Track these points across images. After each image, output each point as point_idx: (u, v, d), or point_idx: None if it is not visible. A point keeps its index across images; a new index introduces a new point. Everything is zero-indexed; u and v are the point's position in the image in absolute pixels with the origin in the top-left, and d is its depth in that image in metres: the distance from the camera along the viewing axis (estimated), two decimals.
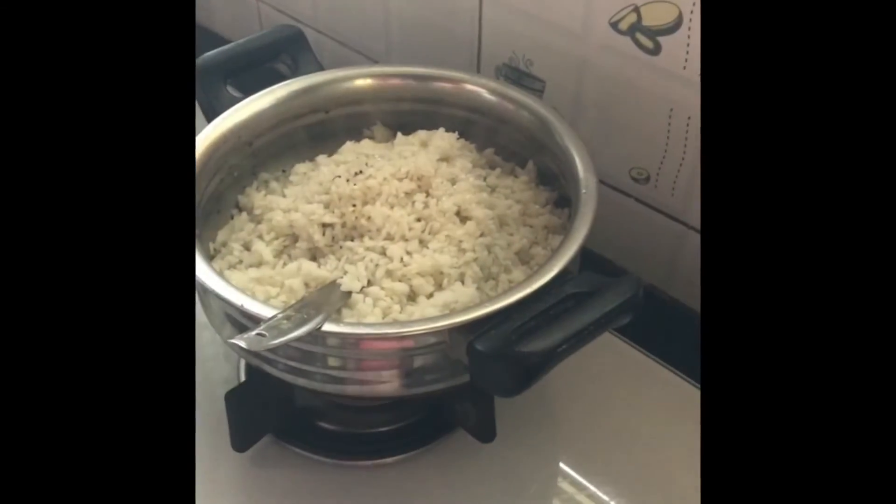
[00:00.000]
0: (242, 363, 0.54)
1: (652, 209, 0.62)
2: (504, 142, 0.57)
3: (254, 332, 0.37)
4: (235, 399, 0.47)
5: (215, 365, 0.56)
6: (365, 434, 0.52)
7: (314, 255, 0.49)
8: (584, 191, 0.47)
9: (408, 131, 0.58)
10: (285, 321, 0.39)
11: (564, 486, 0.51)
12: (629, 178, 0.62)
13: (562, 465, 0.52)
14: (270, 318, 0.39)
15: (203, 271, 0.43)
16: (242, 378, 0.54)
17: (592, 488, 0.51)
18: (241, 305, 0.41)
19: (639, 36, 0.56)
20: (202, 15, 0.94)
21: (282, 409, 0.49)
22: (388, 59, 0.75)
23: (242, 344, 0.36)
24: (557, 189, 0.54)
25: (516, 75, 0.65)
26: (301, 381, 0.44)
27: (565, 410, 0.54)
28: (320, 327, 0.40)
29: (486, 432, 0.48)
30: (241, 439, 0.48)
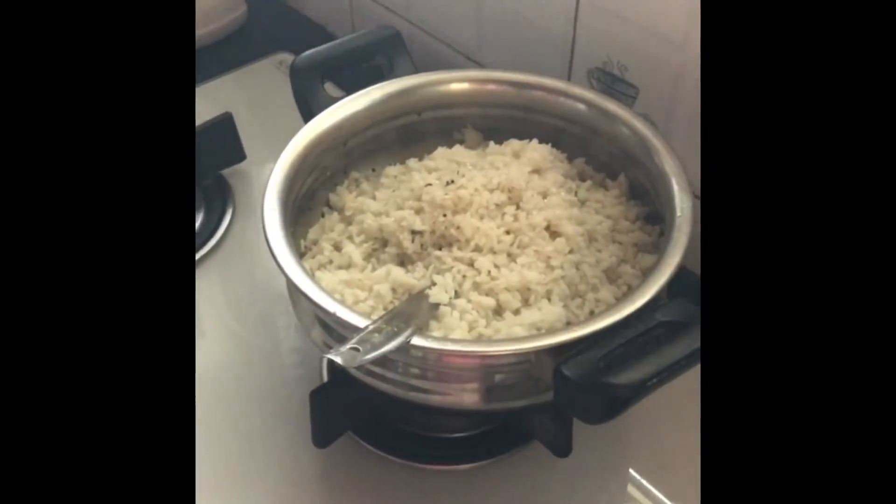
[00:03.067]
0: (325, 362, 0.55)
1: None
2: (596, 152, 0.56)
3: (348, 347, 0.38)
4: (319, 398, 0.48)
5: (299, 360, 0.57)
6: (441, 439, 0.52)
7: (402, 260, 0.50)
8: (678, 213, 0.46)
9: (498, 136, 0.58)
10: (376, 334, 0.40)
11: (636, 495, 0.51)
12: None
13: (632, 472, 0.52)
14: (362, 331, 0.40)
15: (296, 273, 0.44)
16: (325, 376, 0.55)
17: (663, 498, 0.50)
18: (335, 313, 0.42)
19: None
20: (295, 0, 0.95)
21: (362, 408, 0.50)
22: (480, 55, 0.74)
23: (339, 360, 0.37)
24: (648, 204, 0.54)
25: (609, 80, 0.64)
26: (385, 387, 0.45)
27: (636, 420, 0.53)
28: (410, 341, 0.40)
29: (562, 447, 0.48)
30: (322, 436, 0.49)
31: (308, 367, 0.56)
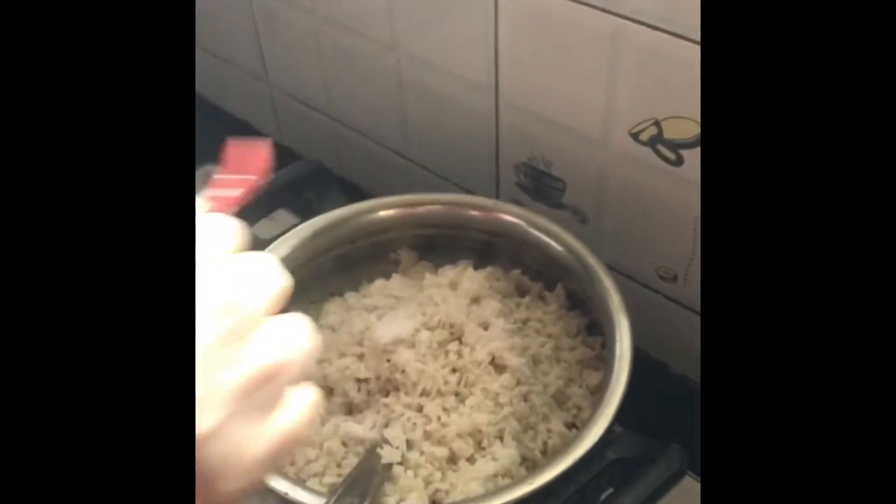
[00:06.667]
0: None
1: (681, 306, 0.62)
2: (530, 262, 0.57)
3: None
4: None
5: None
6: None
7: (350, 408, 0.49)
8: (617, 338, 0.47)
9: (432, 254, 0.58)
10: None
11: None
12: (656, 276, 0.62)
13: None
14: None
15: None
16: None
17: None
18: (286, 494, 0.41)
19: (660, 147, 0.55)
20: (211, 94, 0.95)
21: None
22: (406, 150, 0.74)
23: None
24: (587, 314, 0.54)
25: (536, 174, 0.64)
26: None
27: None
28: None
29: None
30: None
31: None
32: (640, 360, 0.65)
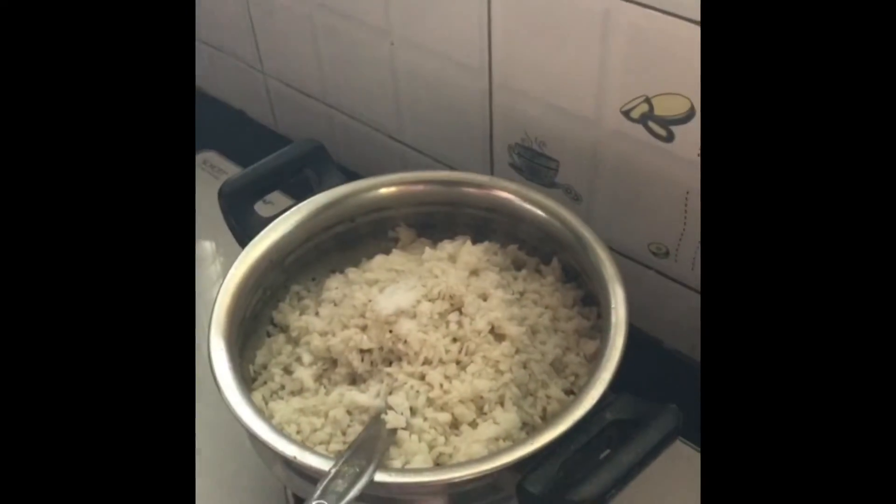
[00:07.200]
0: (289, 491, 0.55)
1: (673, 281, 0.64)
2: (525, 237, 0.58)
3: (313, 503, 0.39)
4: None
5: (262, 493, 0.57)
6: None
7: (354, 378, 0.50)
8: (612, 305, 0.48)
9: (430, 231, 0.59)
10: (339, 480, 0.41)
11: None
12: (648, 252, 0.63)
13: None
14: (325, 479, 0.41)
15: (250, 417, 0.45)
16: (291, 501, 0.55)
17: None
18: (294, 458, 0.42)
19: (651, 124, 0.56)
20: (207, 84, 0.95)
21: None
22: (401, 134, 0.76)
23: None
24: (582, 286, 0.55)
25: (530, 154, 0.66)
26: None
27: None
28: (373, 479, 0.41)
29: None
30: None
31: (272, 500, 0.56)
32: (634, 336, 0.67)
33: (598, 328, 0.52)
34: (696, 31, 0.49)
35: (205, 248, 0.74)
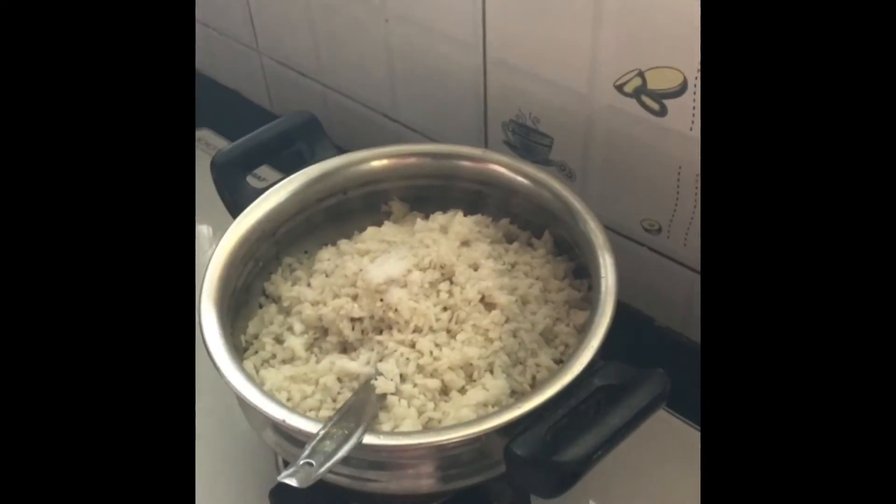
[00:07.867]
0: (280, 458, 0.55)
1: (665, 258, 0.64)
2: (518, 211, 0.58)
3: (301, 463, 0.39)
4: (278, 497, 0.49)
5: (253, 457, 0.57)
6: None
7: (345, 347, 0.51)
8: (602, 275, 0.49)
9: (423, 204, 0.59)
10: (328, 441, 0.41)
11: None
12: (641, 229, 0.63)
13: None
14: (313, 440, 0.41)
15: (240, 382, 0.45)
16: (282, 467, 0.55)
17: None
18: (283, 421, 0.43)
19: (644, 98, 0.56)
20: (202, 64, 0.95)
21: (322, 502, 0.51)
22: (396, 113, 0.76)
23: (294, 482, 0.38)
24: (574, 259, 0.56)
25: (524, 131, 0.66)
26: (344, 482, 0.46)
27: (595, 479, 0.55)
28: (361, 441, 0.41)
29: None
30: None
31: (262, 463, 0.56)
32: (625, 312, 0.67)
33: (589, 300, 0.53)
34: (689, 3, 0.49)
35: (199, 222, 0.74)
